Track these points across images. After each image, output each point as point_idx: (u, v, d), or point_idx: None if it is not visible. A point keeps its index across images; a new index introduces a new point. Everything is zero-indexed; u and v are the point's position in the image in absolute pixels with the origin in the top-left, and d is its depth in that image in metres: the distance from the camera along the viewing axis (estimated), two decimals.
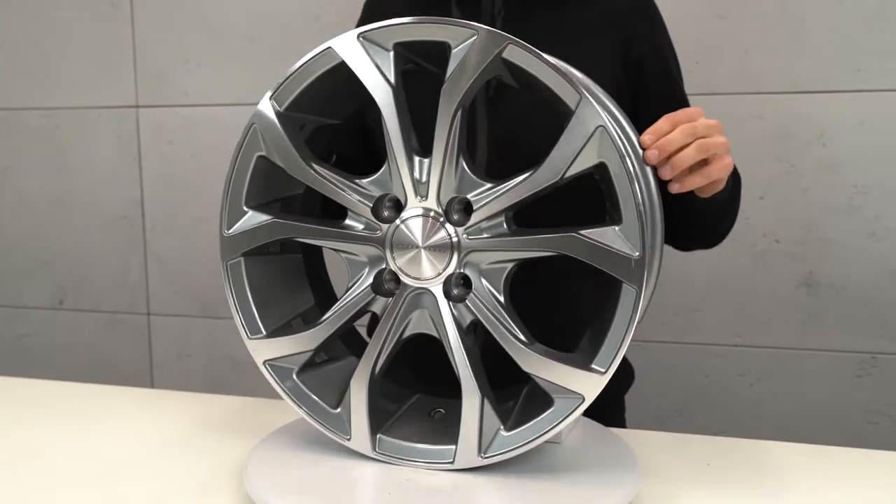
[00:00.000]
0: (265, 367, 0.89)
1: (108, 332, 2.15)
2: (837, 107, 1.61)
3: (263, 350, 0.89)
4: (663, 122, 0.84)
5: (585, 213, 0.86)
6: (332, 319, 0.86)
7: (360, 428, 0.86)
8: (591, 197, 0.84)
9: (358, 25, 1.23)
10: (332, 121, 0.95)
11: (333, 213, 0.89)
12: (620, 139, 0.76)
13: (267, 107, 0.86)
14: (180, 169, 2.02)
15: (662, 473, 0.90)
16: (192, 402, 1.17)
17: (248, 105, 1.92)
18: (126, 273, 2.11)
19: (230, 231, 0.89)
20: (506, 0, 1.08)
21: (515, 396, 0.89)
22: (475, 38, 0.78)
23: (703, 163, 0.87)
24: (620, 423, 1.19)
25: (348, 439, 0.87)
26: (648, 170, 0.84)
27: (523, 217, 0.84)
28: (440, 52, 0.81)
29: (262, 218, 0.87)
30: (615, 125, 0.77)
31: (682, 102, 1.11)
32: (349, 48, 0.82)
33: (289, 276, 0.97)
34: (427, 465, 0.85)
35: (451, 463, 0.84)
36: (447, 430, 0.87)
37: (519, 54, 0.77)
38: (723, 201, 1.00)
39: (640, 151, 0.83)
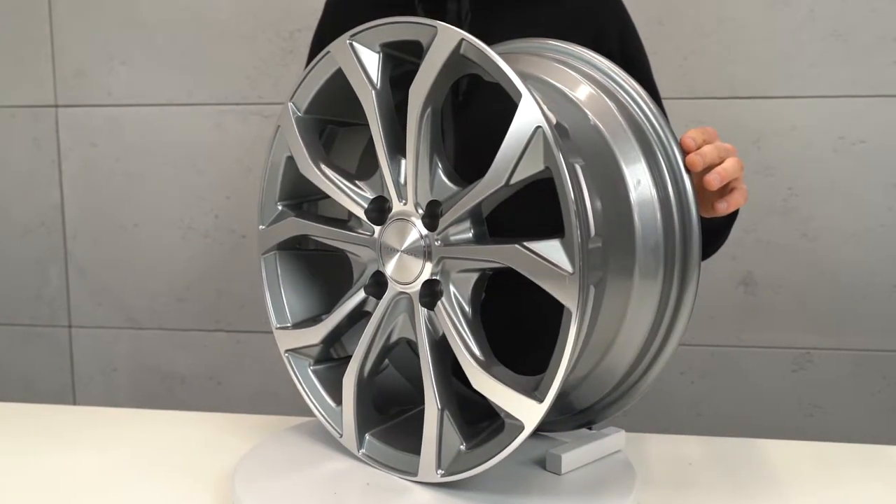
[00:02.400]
0: (286, 356, 0.93)
1: (25, 347, 2.02)
2: (772, 112, 1.67)
3: (286, 339, 0.93)
4: (696, 133, 0.82)
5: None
6: (333, 316, 0.88)
7: (348, 426, 0.87)
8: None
9: (319, 25, 1.20)
10: (358, 121, 0.92)
11: None
12: (558, 142, 0.68)
13: (287, 110, 0.88)
14: (104, 172, 1.91)
15: (646, 475, 0.91)
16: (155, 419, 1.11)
17: (178, 105, 1.84)
18: (44, 284, 1.97)
19: (265, 226, 0.94)
20: (472, 1, 1.07)
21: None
22: (436, 35, 0.75)
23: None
24: None
25: (340, 435, 0.88)
26: (685, 179, 0.80)
27: (500, 225, 0.81)
28: None
29: (290, 215, 0.91)
30: (552, 125, 0.69)
31: (655, 98, 1.13)
32: (341, 50, 0.82)
33: (327, 274, 0.99)
34: (396, 472, 0.83)
35: (415, 475, 0.81)
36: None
37: (473, 51, 0.73)
38: (731, 219, 1.02)
39: (679, 156, 0.80)
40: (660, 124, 0.81)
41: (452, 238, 0.77)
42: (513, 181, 0.71)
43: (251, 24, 1.80)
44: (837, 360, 1.72)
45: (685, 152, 0.81)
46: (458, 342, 0.76)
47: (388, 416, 0.92)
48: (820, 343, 1.72)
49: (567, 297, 0.68)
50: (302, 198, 0.95)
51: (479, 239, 0.77)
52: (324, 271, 0.98)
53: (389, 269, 0.81)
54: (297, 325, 0.93)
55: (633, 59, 1.12)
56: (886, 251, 1.67)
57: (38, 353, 2.01)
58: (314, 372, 0.93)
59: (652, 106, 0.83)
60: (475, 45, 0.73)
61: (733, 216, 1.06)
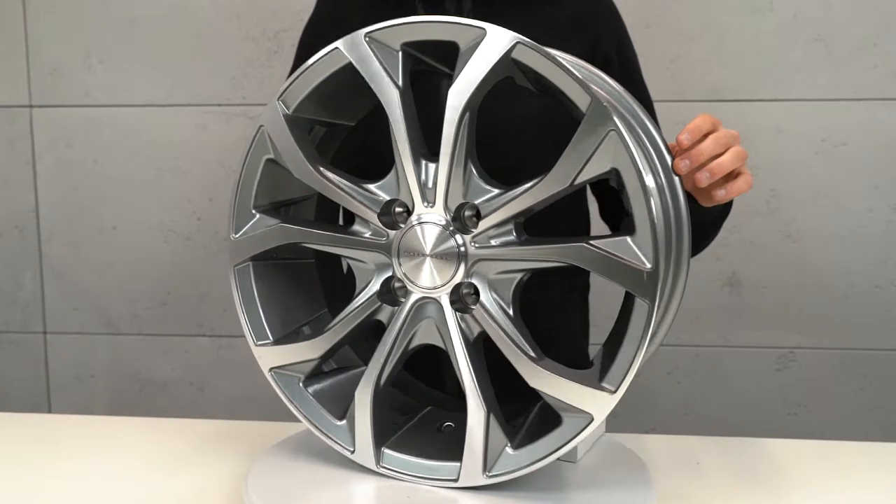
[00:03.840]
0: (271, 375, 0.87)
1: None
2: (756, 115, 1.70)
3: (269, 357, 0.87)
4: (701, 121, 0.82)
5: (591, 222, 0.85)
6: (338, 328, 0.83)
7: (364, 440, 0.83)
8: (605, 206, 0.83)
9: (311, 23, 1.18)
10: (345, 122, 0.91)
11: (350, 217, 0.86)
12: (635, 144, 0.72)
13: (274, 109, 0.83)
14: (80, 174, 1.86)
15: (657, 474, 0.91)
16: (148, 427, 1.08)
17: (159, 106, 1.80)
18: (18, 288, 1.92)
19: (238, 235, 0.87)
20: (473, 1, 1.07)
21: (526, 412, 0.86)
22: (483, 37, 0.75)
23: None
24: None
25: (352, 452, 0.84)
26: (675, 178, 0.82)
27: (534, 225, 0.81)
28: (452, 52, 0.78)
29: (270, 222, 0.85)
30: (629, 129, 0.74)
31: (647, 102, 1.14)
32: (356, 49, 0.79)
33: (301, 283, 0.93)
34: (430, 482, 0.82)
35: (455, 481, 0.80)
36: (454, 446, 0.83)
37: (529, 54, 0.74)
38: (725, 210, 1.02)
39: (668, 159, 0.82)
40: (649, 122, 0.84)
41: (493, 240, 0.77)
42: (577, 182, 0.73)
43: (236, 24, 1.77)
44: (820, 359, 1.75)
45: (676, 152, 0.82)
46: (507, 342, 0.77)
47: (395, 424, 0.89)
48: (803, 342, 1.75)
49: (644, 291, 0.71)
50: (279, 203, 0.90)
51: (524, 240, 0.78)
52: (290, 279, 0.92)
53: (411, 274, 0.79)
54: (281, 341, 0.87)
55: (629, 65, 1.14)
56: (868, 252, 1.71)
57: (12, 361, 1.95)
58: (308, 388, 0.87)
59: (636, 105, 0.85)
60: (534, 48, 0.73)
61: (729, 206, 1.07)
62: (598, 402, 0.74)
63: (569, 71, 0.73)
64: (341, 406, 0.86)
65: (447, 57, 0.80)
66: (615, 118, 0.71)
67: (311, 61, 0.81)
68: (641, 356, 0.72)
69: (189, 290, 1.87)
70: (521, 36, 0.74)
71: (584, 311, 1.21)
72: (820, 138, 1.69)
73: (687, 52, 1.70)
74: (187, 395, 1.92)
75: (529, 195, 0.76)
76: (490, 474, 0.79)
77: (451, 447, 0.83)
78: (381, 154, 0.83)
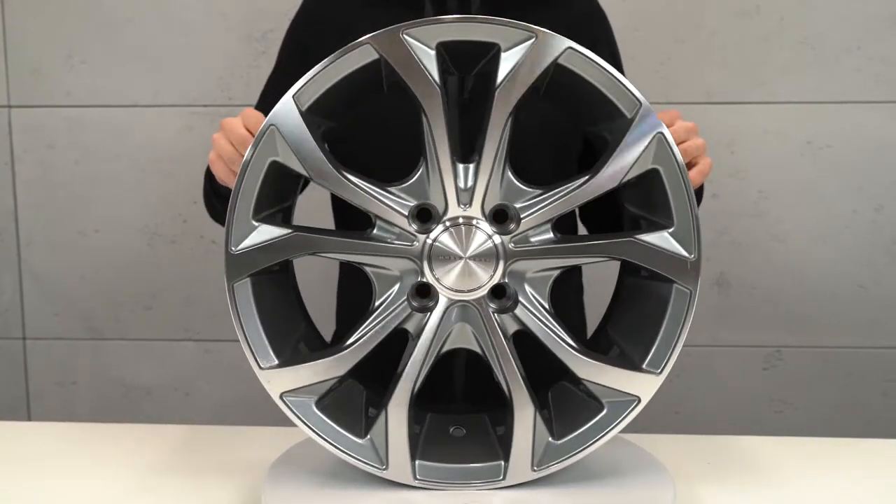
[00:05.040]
0: (283, 400, 0.80)
1: None
2: (744, 117, 1.72)
3: (280, 381, 0.80)
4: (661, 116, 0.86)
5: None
6: (364, 342, 0.79)
7: (400, 456, 0.80)
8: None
9: (299, 21, 1.15)
10: (337, 124, 0.89)
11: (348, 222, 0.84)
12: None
13: (289, 107, 0.78)
14: (61, 176, 1.81)
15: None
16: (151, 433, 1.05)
17: (143, 107, 1.76)
18: None
19: (238, 248, 0.79)
20: (474, 3, 1.07)
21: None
22: (532, 40, 0.76)
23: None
24: None
25: (384, 469, 0.81)
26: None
27: None
28: (471, 54, 0.78)
29: (280, 232, 0.78)
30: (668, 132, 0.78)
31: None
32: (393, 46, 0.76)
33: (287, 298, 0.89)
34: (477, 485, 0.81)
35: (503, 479, 0.81)
36: (483, 447, 0.84)
37: (577, 59, 0.77)
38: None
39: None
40: None
41: (533, 239, 0.79)
42: (624, 181, 0.78)
43: (222, 24, 1.74)
44: (806, 357, 1.78)
45: None
46: (553, 337, 0.79)
47: (416, 434, 0.87)
48: (789, 341, 1.78)
49: (688, 279, 0.79)
50: (276, 211, 0.85)
51: (564, 237, 0.81)
52: (282, 295, 0.88)
53: (445, 278, 0.78)
54: (289, 362, 0.81)
55: (618, 68, 1.16)
56: (852, 252, 1.74)
57: None
58: (321, 409, 0.82)
59: None
60: (584, 54, 0.76)
61: (701, 190, 1.11)
62: (644, 385, 0.80)
63: (617, 77, 0.77)
64: (353, 422, 0.82)
65: (459, 57, 0.80)
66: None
67: (333, 57, 0.77)
68: (684, 338, 0.80)
69: (175, 293, 1.84)
70: (572, 42, 0.76)
71: (581, 311, 1.22)
72: (805, 140, 1.72)
73: (677, 55, 1.71)
74: (173, 401, 1.88)
75: (577, 195, 0.78)
76: (538, 468, 0.81)
77: (482, 448, 0.84)
78: (397, 155, 0.82)
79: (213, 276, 1.82)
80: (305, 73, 1.11)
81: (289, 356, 0.82)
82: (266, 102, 1.14)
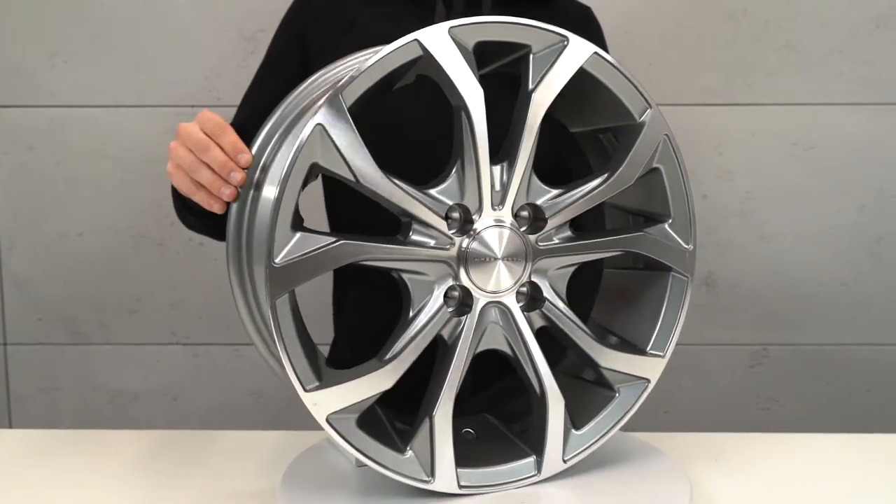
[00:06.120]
0: (330, 423, 0.74)
1: None
2: (732, 119, 1.75)
3: (327, 402, 0.74)
4: None
5: None
6: (408, 352, 0.76)
7: (446, 465, 0.78)
8: None
9: (290, 13, 1.14)
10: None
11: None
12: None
13: (337, 104, 0.72)
14: (43, 178, 1.77)
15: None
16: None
17: (128, 107, 1.73)
18: None
19: (281, 260, 0.71)
20: (486, 3, 1.08)
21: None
22: (564, 44, 0.78)
23: None
24: None
25: (430, 481, 0.78)
26: None
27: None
28: (485, 53, 0.78)
29: (325, 240, 0.73)
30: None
31: None
32: (440, 43, 0.74)
33: (297, 311, 0.84)
34: (515, 483, 0.82)
35: (538, 474, 0.82)
36: (500, 446, 0.85)
37: (599, 64, 0.80)
38: None
39: None
40: None
41: (556, 237, 0.82)
42: (636, 179, 0.82)
43: (211, 22, 1.72)
44: (792, 354, 1.82)
45: None
46: (577, 330, 0.82)
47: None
48: (775, 339, 1.81)
49: (686, 267, 0.86)
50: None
51: (583, 234, 0.84)
52: (294, 308, 0.82)
53: (481, 280, 0.77)
54: (332, 381, 0.75)
55: None
56: (835, 251, 1.78)
57: None
58: (361, 427, 0.77)
59: None
60: (606, 59, 0.80)
61: None
62: (653, 367, 0.86)
63: (633, 82, 0.81)
64: (385, 437, 0.79)
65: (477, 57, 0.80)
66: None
67: (382, 53, 0.73)
68: (682, 322, 0.87)
69: (161, 297, 1.81)
70: (596, 47, 0.79)
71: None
72: (791, 142, 1.75)
73: (665, 57, 1.73)
74: (160, 406, 1.85)
75: (598, 194, 0.81)
76: (566, 458, 0.83)
77: (501, 447, 0.85)
78: (412, 156, 0.81)
79: (201, 279, 1.80)
80: (302, 65, 1.11)
81: (330, 374, 0.77)
82: (253, 99, 1.13)
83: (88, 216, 1.78)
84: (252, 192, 0.81)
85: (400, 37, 0.96)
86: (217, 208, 0.82)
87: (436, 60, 0.74)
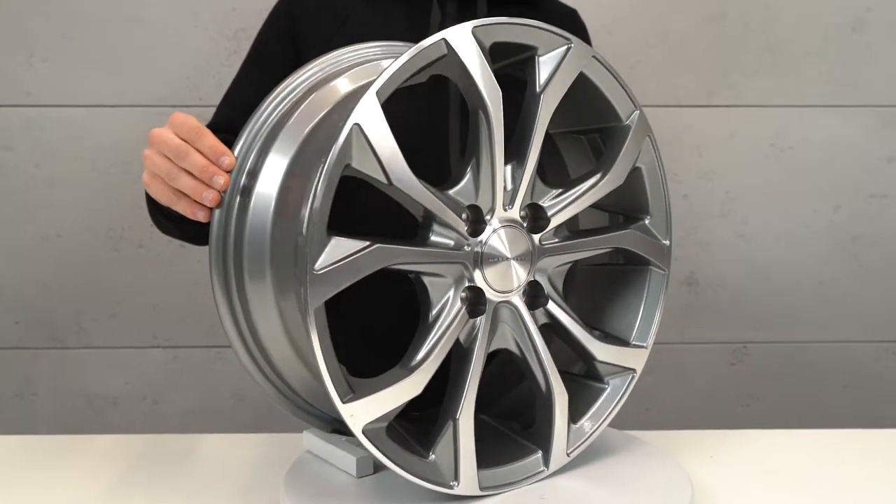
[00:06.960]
0: (364, 434, 0.71)
1: None
2: (713, 120, 1.77)
3: (363, 412, 0.71)
4: None
5: None
6: (434, 357, 0.75)
7: (469, 469, 0.77)
8: None
9: (278, 8, 1.12)
10: None
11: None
12: None
13: (374, 104, 0.69)
14: (20, 179, 1.74)
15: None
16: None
17: (107, 107, 1.71)
18: None
19: (320, 266, 0.68)
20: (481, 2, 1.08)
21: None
22: (569, 47, 0.79)
23: None
24: None
25: (455, 486, 0.76)
26: None
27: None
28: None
29: (359, 244, 0.70)
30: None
31: None
32: (464, 42, 0.73)
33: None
34: (527, 480, 0.82)
35: (546, 469, 0.83)
36: (499, 443, 0.86)
37: (595, 67, 0.82)
38: None
39: None
40: None
41: (556, 236, 0.83)
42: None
43: (191, 22, 1.70)
44: (771, 352, 1.85)
45: None
46: (576, 325, 0.84)
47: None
48: (755, 337, 1.84)
49: (665, 262, 0.89)
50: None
51: (579, 232, 0.86)
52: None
53: (493, 280, 0.77)
54: (366, 390, 0.72)
55: None
56: (812, 250, 1.81)
57: None
58: (389, 435, 0.74)
59: None
60: (603, 63, 0.81)
61: None
62: (638, 357, 0.89)
63: (623, 84, 0.83)
64: (401, 438, 0.77)
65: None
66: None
67: (413, 52, 0.70)
68: (660, 312, 0.89)
69: (142, 300, 1.79)
70: (595, 51, 0.81)
71: None
72: (769, 143, 1.78)
73: (647, 59, 1.75)
74: (140, 410, 1.83)
75: (594, 193, 0.83)
76: (569, 452, 0.84)
77: (500, 444, 0.85)
78: (417, 157, 0.81)
79: (182, 281, 1.78)
80: (292, 60, 1.08)
81: (361, 383, 0.74)
82: (240, 93, 1.10)
83: (67, 217, 1.76)
84: (239, 197, 0.78)
85: (395, 35, 0.96)
86: (202, 217, 0.79)
87: (460, 60, 0.73)
